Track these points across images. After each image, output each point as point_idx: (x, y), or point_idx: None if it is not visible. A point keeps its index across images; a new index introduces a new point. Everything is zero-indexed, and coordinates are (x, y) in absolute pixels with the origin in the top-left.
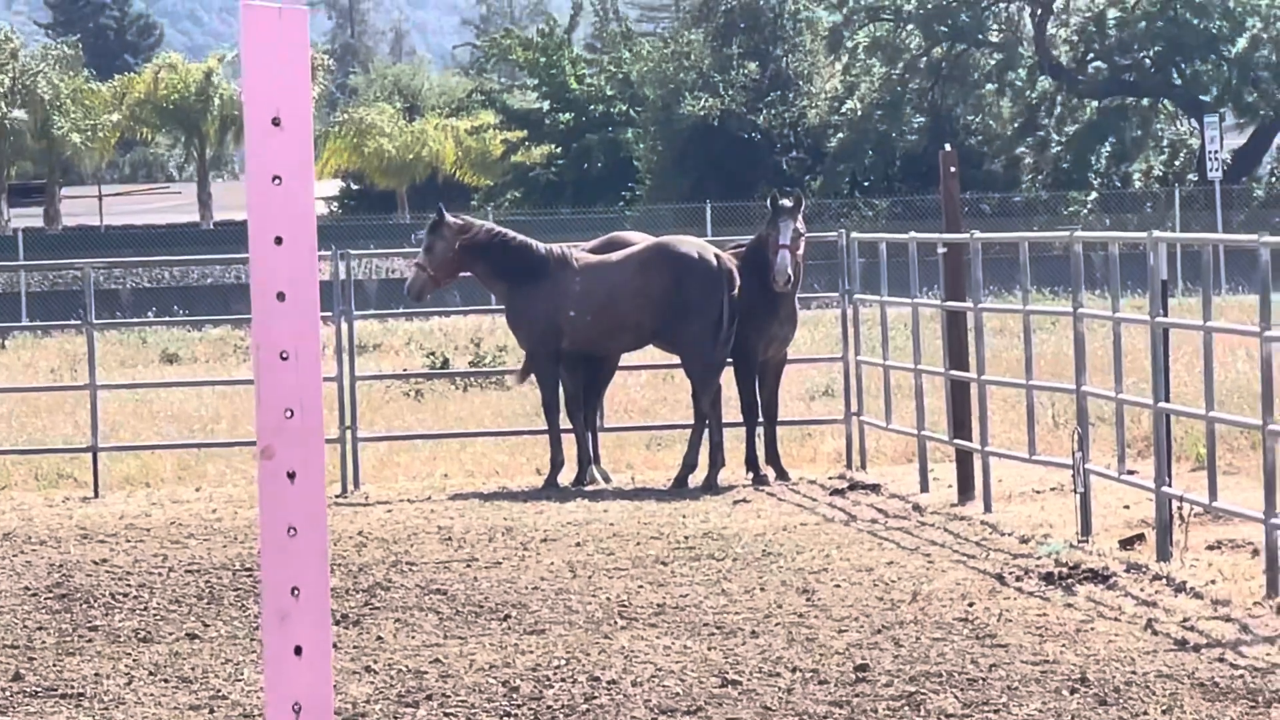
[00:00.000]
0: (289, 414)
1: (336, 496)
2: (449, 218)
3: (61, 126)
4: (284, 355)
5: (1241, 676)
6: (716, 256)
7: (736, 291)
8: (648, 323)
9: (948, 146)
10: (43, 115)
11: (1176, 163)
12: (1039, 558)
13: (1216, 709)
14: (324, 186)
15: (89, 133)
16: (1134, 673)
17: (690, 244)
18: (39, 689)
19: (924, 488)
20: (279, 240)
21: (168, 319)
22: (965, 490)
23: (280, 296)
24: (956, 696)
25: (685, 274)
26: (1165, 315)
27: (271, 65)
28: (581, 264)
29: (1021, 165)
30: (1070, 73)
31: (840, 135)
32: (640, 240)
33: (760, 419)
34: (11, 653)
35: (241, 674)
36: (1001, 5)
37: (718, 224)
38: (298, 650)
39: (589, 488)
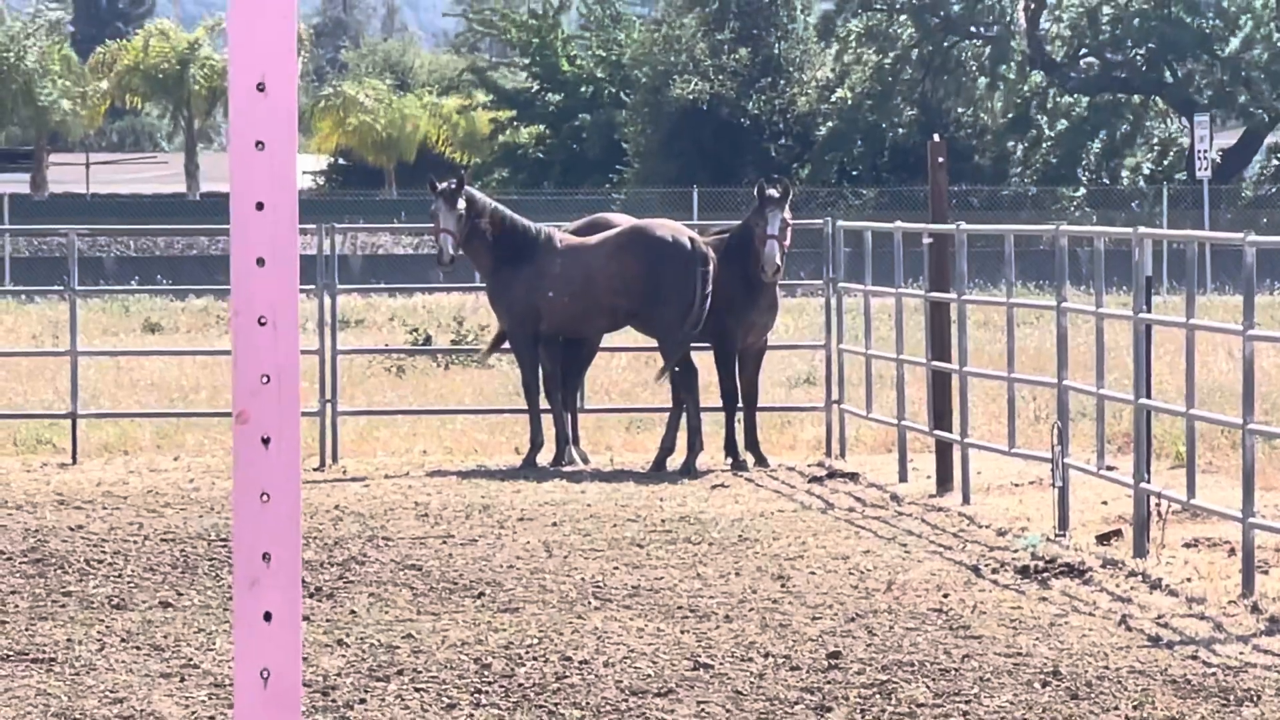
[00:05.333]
0: (265, 380)
1: (315, 469)
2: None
3: (49, 93)
4: (262, 321)
5: (1214, 674)
6: (692, 240)
7: (710, 275)
8: (623, 305)
9: (936, 137)
10: (27, 81)
11: (1166, 161)
12: (1015, 551)
13: (1188, 706)
14: (312, 161)
15: (78, 100)
16: (1106, 668)
17: (666, 228)
18: (10, 653)
19: (903, 478)
20: (260, 206)
21: (151, 288)
22: (944, 481)
23: (260, 262)
24: (928, 686)
25: (660, 258)
26: (1149, 312)
27: (257, 30)
28: (563, 246)
29: (1011, 159)
30: (1062, 68)
31: (830, 124)
32: (621, 222)
33: (740, 404)
34: None
35: (214, 643)
36: None
37: (704, 209)
38: (267, 616)
39: (567, 468)
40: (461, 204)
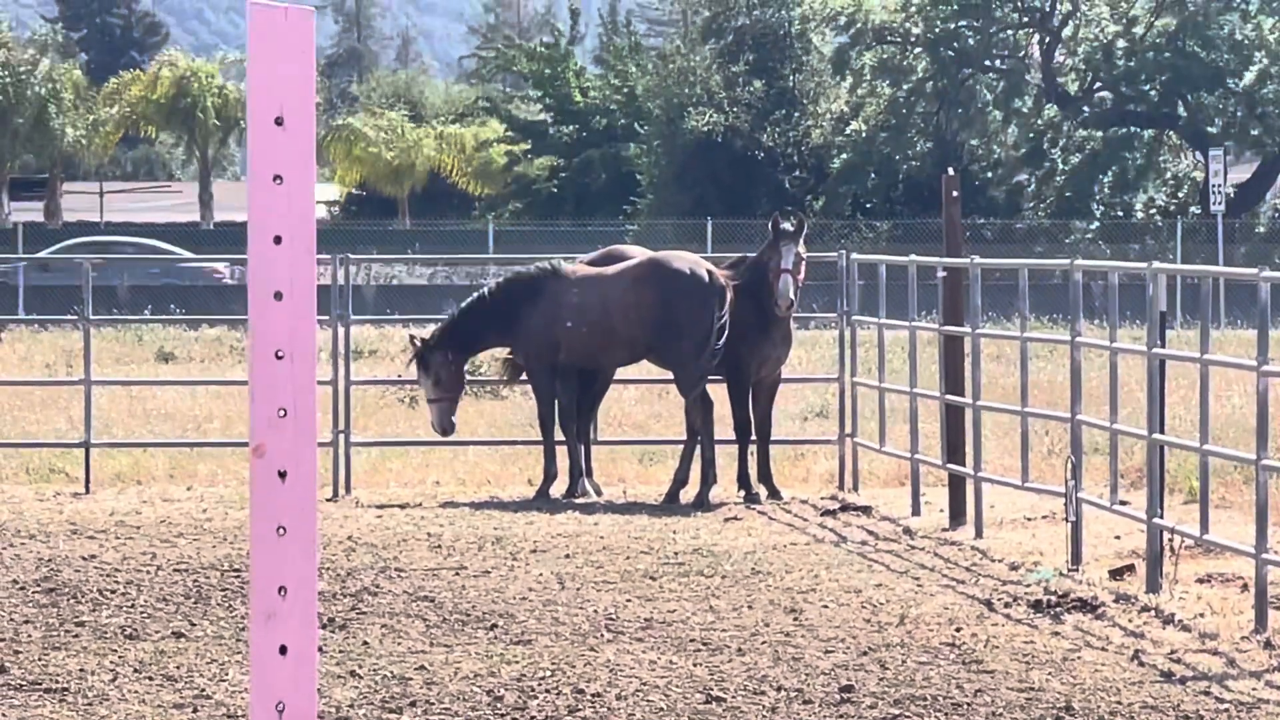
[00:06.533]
0: (282, 413)
1: (327, 500)
2: (427, 339)
3: (58, 120)
4: (279, 354)
5: (1227, 710)
6: (709, 273)
7: (727, 308)
8: (640, 337)
9: (951, 170)
10: (38, 107)
11: (1180, 195)
12: (1028, 585)
13: None
14: (326, 191)
15: (87, 128)
16: (1119, 703)
17: (684, 260)
18: (23, 683)
19: (915, 511)
20: (278, 239)
21: (164, 317)
22: (957, 515)
23: (278, 296)
24: None
25: (677, 290)
26: (1163, 346)
27: (276, 65)
28: (578, 276)
29: (1024, 192)
30: (1076, 101)
31: (844, 156)
32: (638, 254)
33: (753, 437)
34: None
35: (226, 674)
36: (1009, 32)
37: (718, 240)
38: (283, 650)
39: (580, 500)
40: (430, 361)
